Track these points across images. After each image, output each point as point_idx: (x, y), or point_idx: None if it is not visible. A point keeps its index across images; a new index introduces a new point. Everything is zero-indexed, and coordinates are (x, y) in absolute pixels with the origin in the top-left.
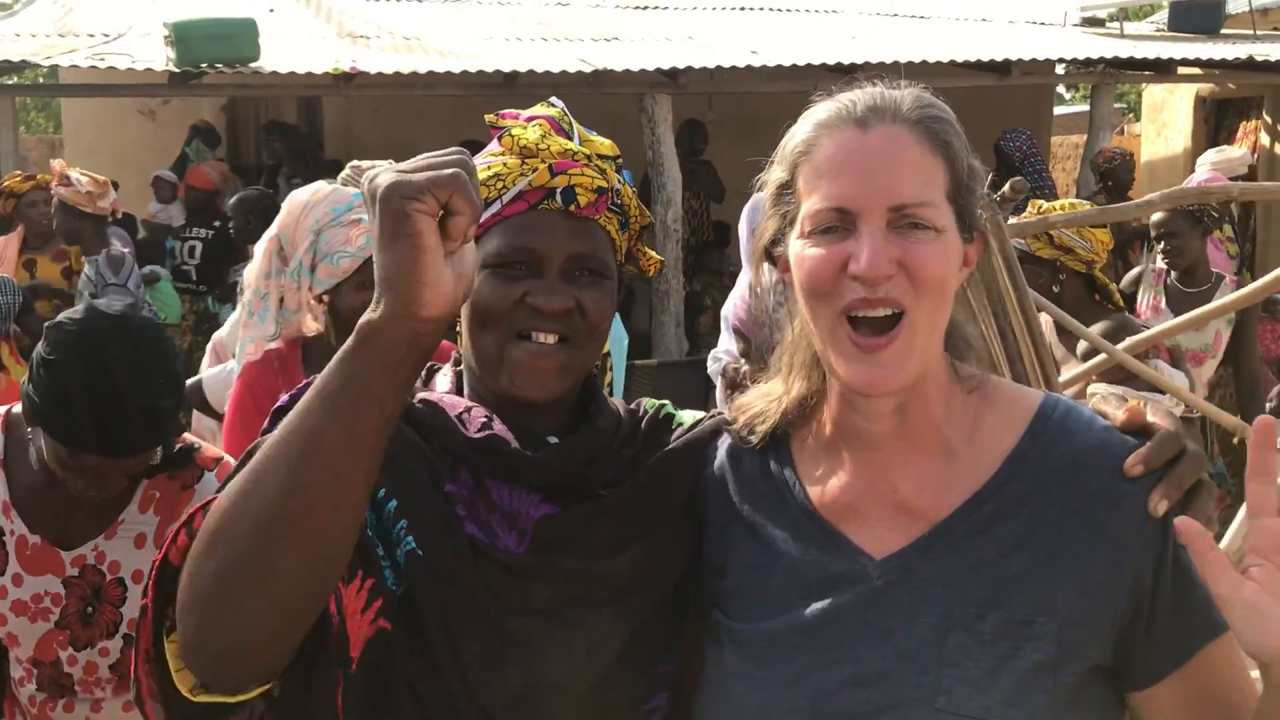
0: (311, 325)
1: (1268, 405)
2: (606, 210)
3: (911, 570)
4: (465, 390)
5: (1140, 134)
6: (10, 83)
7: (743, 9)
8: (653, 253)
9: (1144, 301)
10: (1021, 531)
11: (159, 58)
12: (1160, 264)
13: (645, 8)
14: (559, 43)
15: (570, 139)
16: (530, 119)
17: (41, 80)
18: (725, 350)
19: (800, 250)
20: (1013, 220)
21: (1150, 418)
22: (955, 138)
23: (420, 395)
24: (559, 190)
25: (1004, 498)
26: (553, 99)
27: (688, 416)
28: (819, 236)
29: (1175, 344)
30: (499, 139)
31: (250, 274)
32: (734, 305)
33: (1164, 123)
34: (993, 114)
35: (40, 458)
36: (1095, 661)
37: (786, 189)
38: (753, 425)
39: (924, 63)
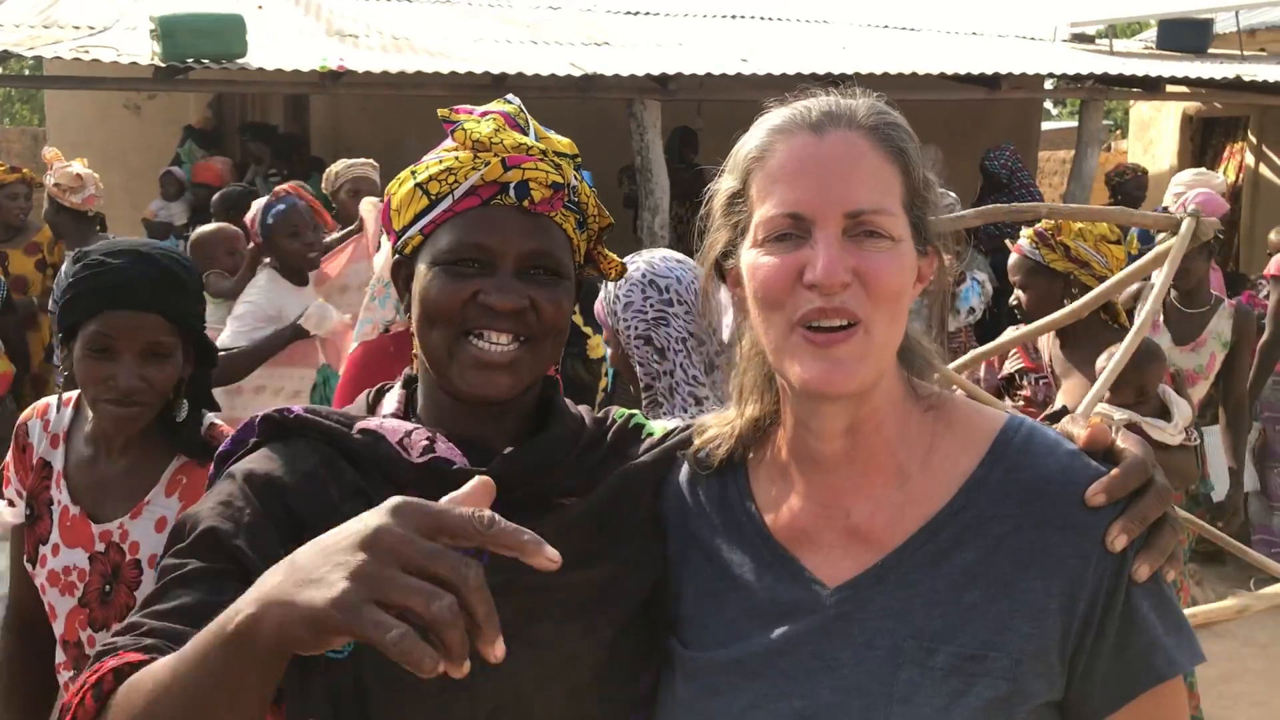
0: None
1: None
2: (563, 208)
3: (864, 600)
4: (420, 402)
5: (1127, 151)
6: None
7: (734, 17)
8: (614, 256)
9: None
10: (976, 561)
11: (145, 51)
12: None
13: (636, 13)
14: (549, 46)
15: (526, 134)
16: (484, 114)
17: (26, 73)
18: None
19: (753, 260)
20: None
21: (1118, 442)
22: (910, 146)
23: (359, 425)
24: (512, 185)
25: (960, 525)
26: (509, 96)
27: (658, 427)
28: (773, 244)
29: (1178, 369)
30: (452, 133)
31: (379, 262)
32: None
33: (1150, 140)
34: (981, 127)
35: (90, 433)
36: (1047, 699)
37: (738, 198)
38: (708, 449)
39: (914, 74)
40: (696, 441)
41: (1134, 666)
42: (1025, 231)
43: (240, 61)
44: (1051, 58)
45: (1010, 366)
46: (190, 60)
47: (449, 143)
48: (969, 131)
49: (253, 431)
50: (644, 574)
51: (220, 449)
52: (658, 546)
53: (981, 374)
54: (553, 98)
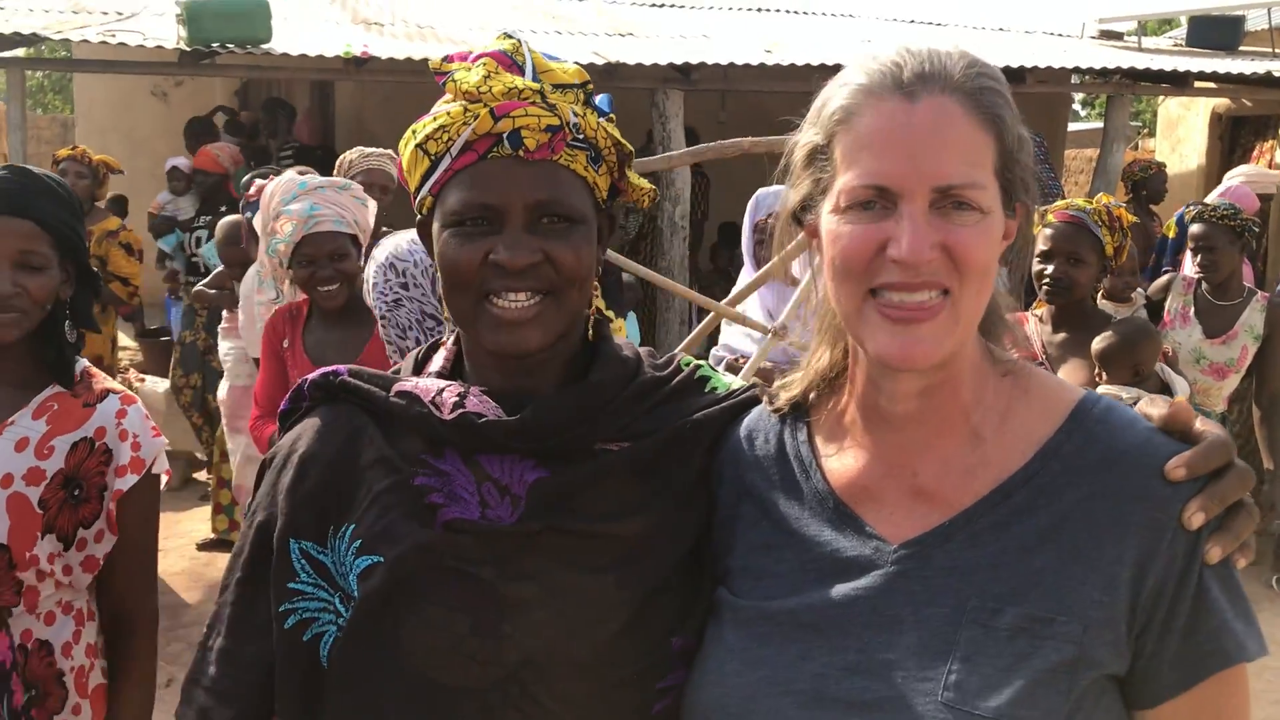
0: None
1: None
2: (566, 148)
3: (927, 559)
4: (465, 358)
5: (1154, 150)
6: (18, 55)
7: (759, 9)
8: (644, 183)
9: (1172, 309)
10: (1048, 526)
11: (170, 36)
12: (1191, 273)
13: (661, 5)
14: (573, 36)
15: (523, 74)
16: (477, 58)
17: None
18: (725, 346)
19: (835, 226)
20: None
21: (1198, 424)
22: (1006, 109)
23: (396, 387)
24: (505, 135)
25: (1033, 489)
26: (509, 30)
27: (725, 382)
28: (856, 213)
29: (1177, 347)
30: (444, 85)
31: (262, 249)
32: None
33: (1179, 139)
34: None
35: None
36: (1112, 670)
37: (821, 154)
38: (781, 389)
39: None
40: (775, 384)
41: (1203, 649)
42: (1078, 205)
43: (265, 47)
44: (1078, 52)
45: None
46: (215, 45)
47: (446, 96)
48: None
49: (303, 395)
50: (683, 533)
51: (281, 407)
52: (702, 507)
53: None
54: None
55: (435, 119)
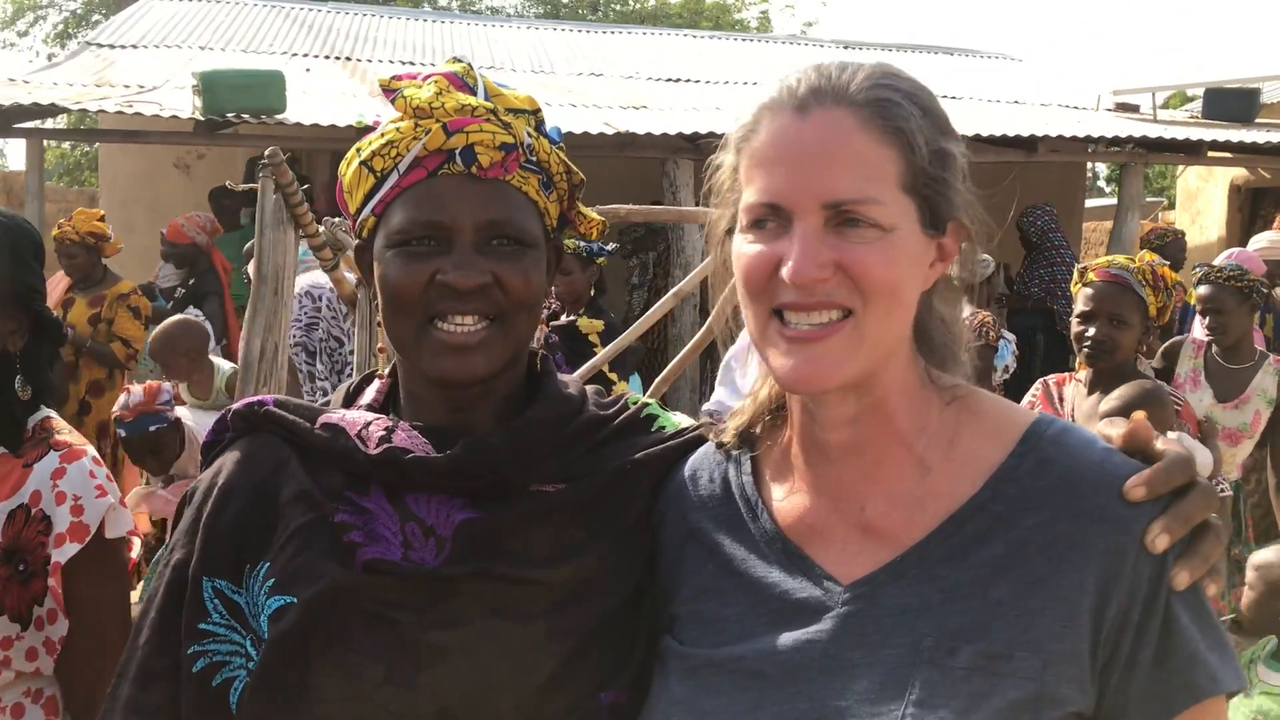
0: None
1: None
2: (519, 169)
3: (879, 598)
4: (401, 390)
5: (1174, 222)
6: (37, 126)
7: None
8: (592, 214)
9: (1182, 373)
10: (1004, 555)
11: (186, 106)
12: (1200, 335)
13: (676, 80)
14: (587, 109)
15: (474, 94)
16: (427, 77)
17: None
18: (717, 402)
19: (738, 246)
20: None
21: (1157, 443)
22: (913, 120)
23: (321, 419)
24: (457, 151)
25: (986, 517)
26: (457, 54)
27: (673, 421)
28: (755, 231)
29: (1208, 417)
30: (392, 102)
31: None
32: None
33: (1198, 211)
34: (1021, 192)
35: None
36: (1077, 708)
37: (735, 173)
38: (729, 419)
39: None
40: (719, 430)
41: (1173, 681)
42: (1120, 263)
43: (279, 117)
44: (1091, 123)
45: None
46: (231, 115)
47: (392, 113)
48: (1008, 196)
49: (226, 426)
50: (621, 579)
51: (205, 439)
52: (643, 550)
53: None
54: (588, 156)
55: (383, 135)
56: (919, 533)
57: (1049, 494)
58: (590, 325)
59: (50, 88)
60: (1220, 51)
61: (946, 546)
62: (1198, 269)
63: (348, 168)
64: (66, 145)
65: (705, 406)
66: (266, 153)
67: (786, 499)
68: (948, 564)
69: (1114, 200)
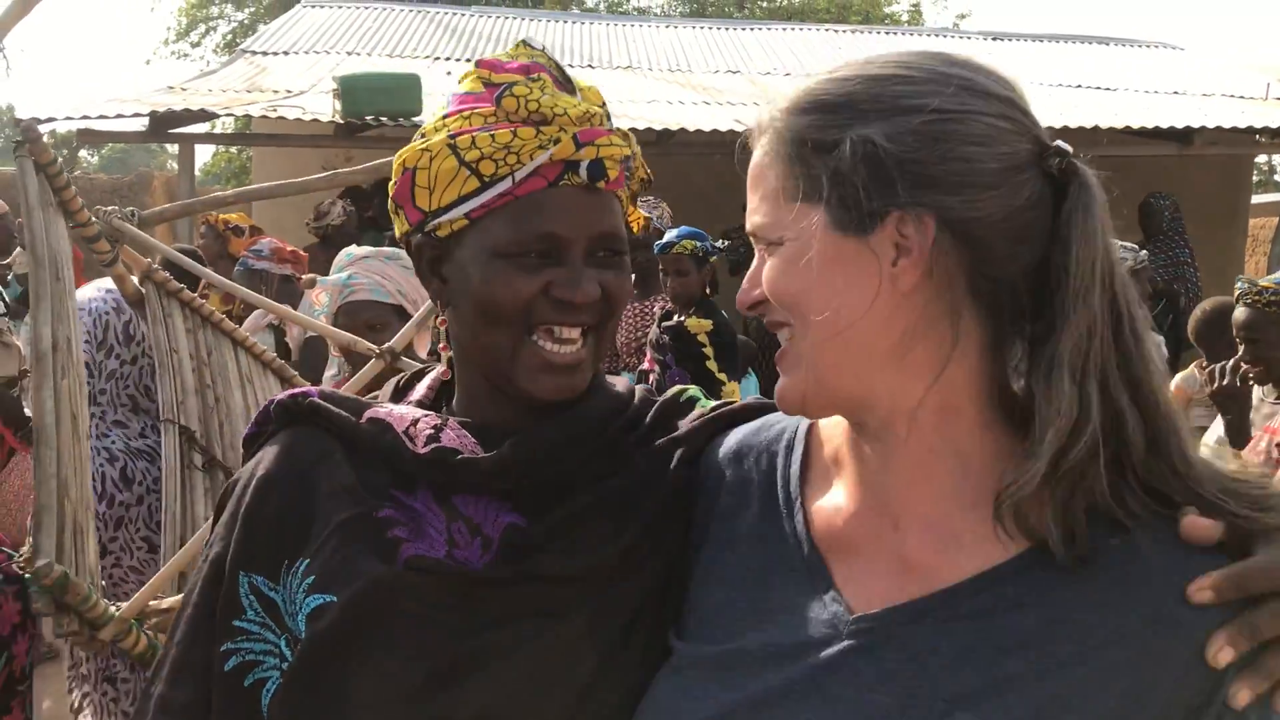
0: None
1: None
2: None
3: (887, 637)
4: (458, 387)
5: None
6: (186, 131)
7: None
8: (638, 210)
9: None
10: (1034, 628)
11: (327, 110)
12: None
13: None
14: (720, 106)
15: (572, 93)
16: (524, 70)
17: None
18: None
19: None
20: None
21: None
22: (809, 130)
23: (368, 414)
24: (583, 164)
25: (1027, 582)
26: (527, 39)
27: (714, 402)
28: None
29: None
30: (498, 99)
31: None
32: None
33: None
34: (1177, 186)
35: None
36: None
37: None
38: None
39: (1095, 129)
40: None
41: None
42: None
43: (415, 119)
44: (1256, 112)
45: None
46: (369, 118)
47: (485, 105)
48: (1162, 190)
49: (269, 417)
50: (660, 556)
51: (246, 431)
52: (679, 526)
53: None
54: (719, 154)
55: (495, 137)
56: (951, 575)
57: (1100, 572)
58: (699, 325)
59: (204, 94)
60: None
61: (977, 601)
62: (1239, 284)
63: (434, 162)
64: (233, 150)
65: None
66: (22, 127)
67: (828, 499)
68: (970, 620)
69: None
